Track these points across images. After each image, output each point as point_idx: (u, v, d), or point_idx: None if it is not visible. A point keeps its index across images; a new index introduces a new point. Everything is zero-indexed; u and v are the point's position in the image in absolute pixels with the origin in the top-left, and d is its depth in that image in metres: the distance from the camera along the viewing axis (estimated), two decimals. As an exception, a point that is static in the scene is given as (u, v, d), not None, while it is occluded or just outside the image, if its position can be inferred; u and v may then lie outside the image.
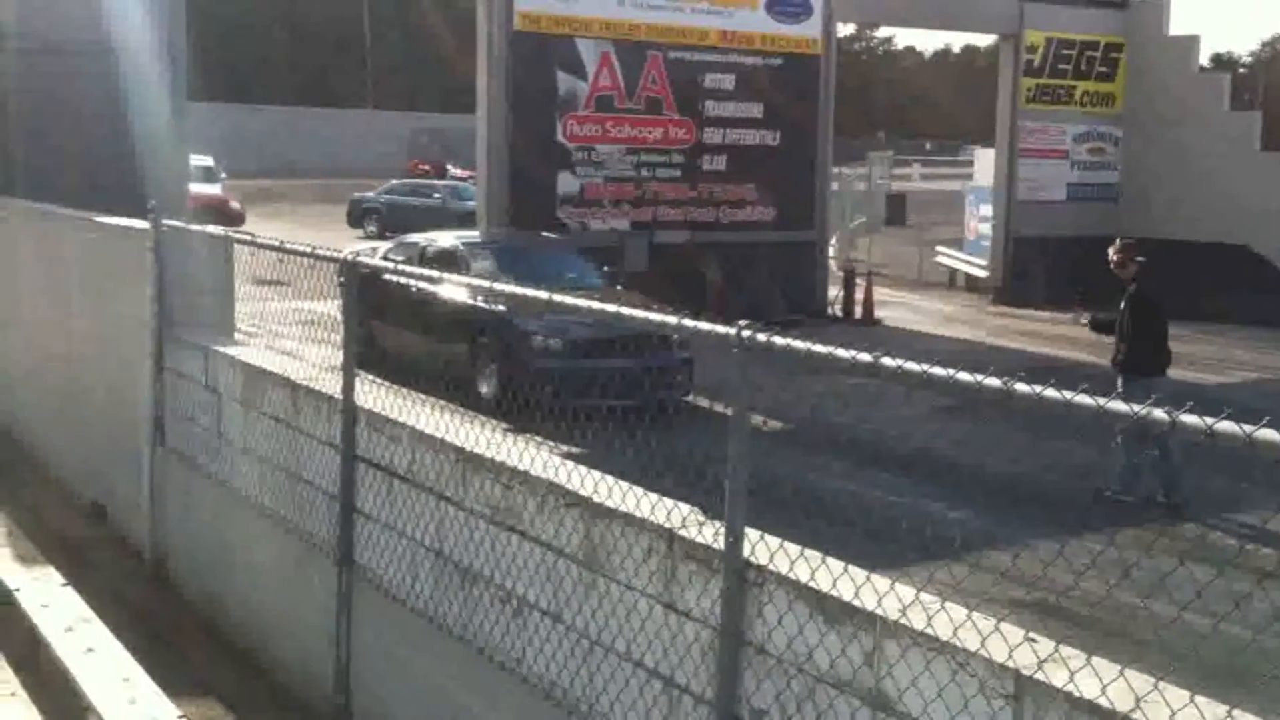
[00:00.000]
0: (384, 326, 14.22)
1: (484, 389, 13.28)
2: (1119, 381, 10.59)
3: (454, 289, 12.06)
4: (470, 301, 12.10)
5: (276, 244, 7.34)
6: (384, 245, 17.38)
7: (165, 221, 8.75)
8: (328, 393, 6.48)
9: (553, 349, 12.99)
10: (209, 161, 32.05)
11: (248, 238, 7.83)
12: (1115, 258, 11.09)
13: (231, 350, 7.94)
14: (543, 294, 5.21)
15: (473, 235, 17.19)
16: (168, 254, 8.65)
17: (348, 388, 6.20)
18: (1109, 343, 11.15)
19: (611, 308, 4.84)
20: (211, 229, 8.96)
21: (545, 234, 17.68)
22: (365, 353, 10.03)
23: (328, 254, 6.92)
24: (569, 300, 5.04)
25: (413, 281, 9.97)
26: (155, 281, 8.64)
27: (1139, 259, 11.03)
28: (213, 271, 8.63)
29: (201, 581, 8.22)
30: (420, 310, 13.35)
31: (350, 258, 6.58)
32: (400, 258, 14.76)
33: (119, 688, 5.82)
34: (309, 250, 6.95)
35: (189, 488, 8.40)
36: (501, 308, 12.63)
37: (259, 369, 7.38)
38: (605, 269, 15.70)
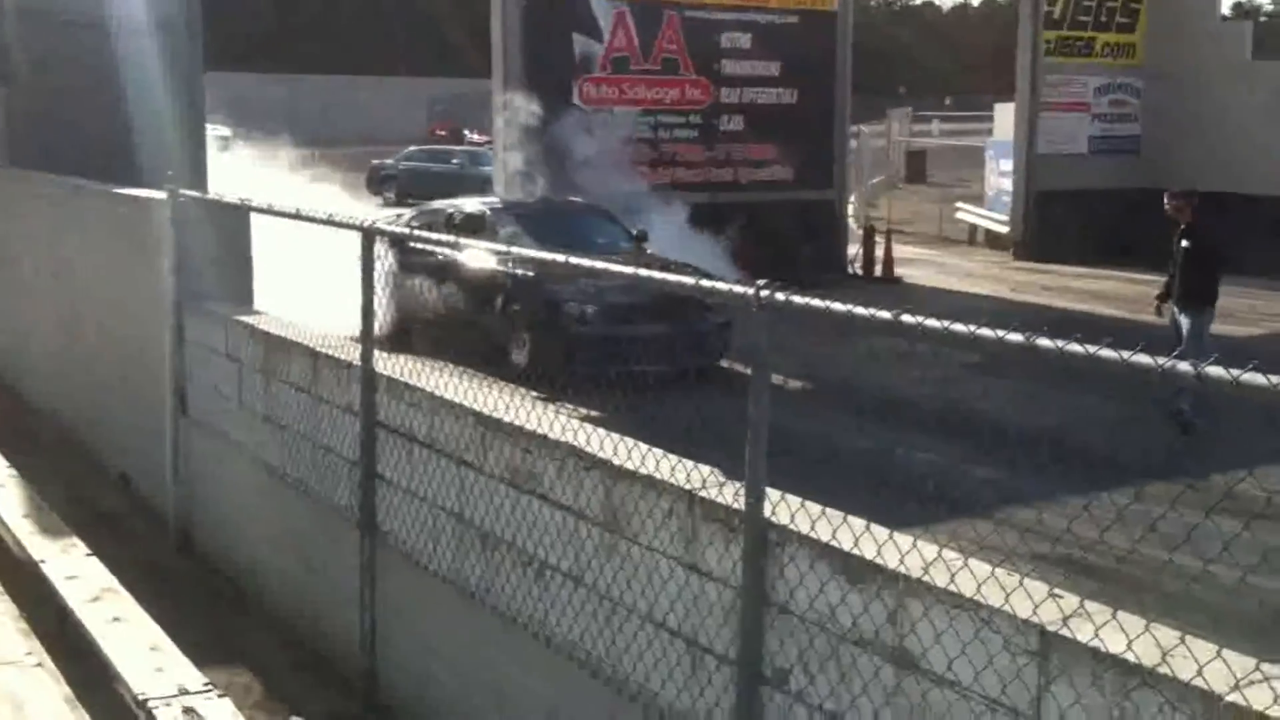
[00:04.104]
0: (410, 296, 14.09)
1: (516, 357, 13.14)
2: (1177, 314, 11.38)
3: (480, 255, 11.80)
4: (499, 268, 11.92)
5: (293, 212, 7.31)
6: (407, 213, 17.16)
7: (183, 191, 8.74)
8: (347, 359, 6.48)
9: (586, 315, 12.86)
10: (226, 132, 32.02)
11: (265, 206, 7.80)
12: (1172, 204, 11.64)
13: (251, 319, 7.93)
14: (560, 256, 5.19)
15: (499, 201, 17.00)
16: (185, 224, 8.64)
17: (366, 354, 6.19)
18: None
19: (629, 269, 4.79)
20: (228, 197, 8.93)
21: (572, 198, 17.50)
22: (396, 333, 9.82)
23: (346, 221, 6.90)
24: (586, 262, 5.02)
25: (438, 250, 9.87)
26: (174, 252, 8.63)
27: (1195, 202, 11.63)
28: (230, 240, 8.61)
29: (226, 550, 8.25)
30: (446, 278, 13.23)
31: (369, 224, 6.55)
32: (424, 224, 14.65)
33: (146, 656, 5.83)
34: (326, 217, 6.93)
35: (212, 457, 8.43)
36: (531, 273, 12.45)
37: (278, 337, 7.38)
38: (634, 233, 15.45)
